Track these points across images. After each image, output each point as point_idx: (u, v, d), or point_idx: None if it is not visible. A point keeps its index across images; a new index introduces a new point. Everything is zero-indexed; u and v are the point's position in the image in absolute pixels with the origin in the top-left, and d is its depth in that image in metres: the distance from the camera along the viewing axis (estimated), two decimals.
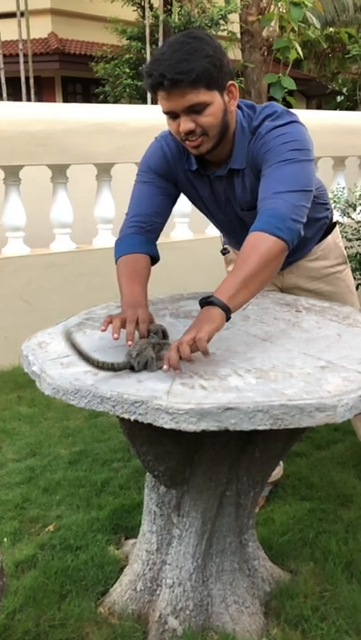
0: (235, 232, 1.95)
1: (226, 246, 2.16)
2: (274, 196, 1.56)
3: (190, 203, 1.94)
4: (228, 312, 1.41)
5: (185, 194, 1.89)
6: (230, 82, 1.61)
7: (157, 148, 1.82)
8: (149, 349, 1.38)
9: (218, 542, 1.65)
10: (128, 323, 1.49)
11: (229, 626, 1.63)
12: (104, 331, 1.49)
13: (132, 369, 1.36)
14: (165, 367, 1.32)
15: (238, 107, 1.70)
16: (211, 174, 1.78)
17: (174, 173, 1.82)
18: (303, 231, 1.60)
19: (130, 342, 1.43)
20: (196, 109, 1.56)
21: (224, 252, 2.17)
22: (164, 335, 1.49)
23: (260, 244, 1.49)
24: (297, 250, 1.87)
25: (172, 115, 1.59)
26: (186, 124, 1.58)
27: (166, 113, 1.60)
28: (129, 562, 1.84)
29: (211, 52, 1.54)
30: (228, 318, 1.42)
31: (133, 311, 1.53)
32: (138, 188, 1.84)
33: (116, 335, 1.45)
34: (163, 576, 1.67)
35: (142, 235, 1.78)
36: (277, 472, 2.32)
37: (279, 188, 1.57)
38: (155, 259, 1.81)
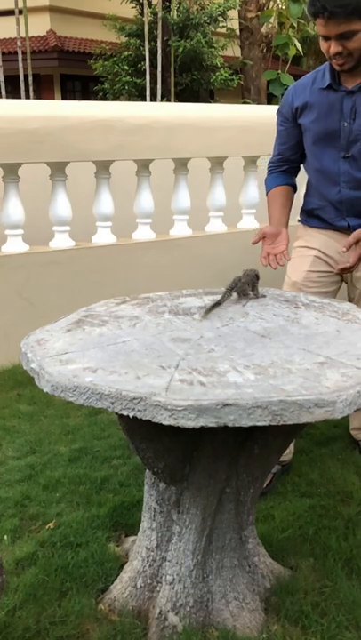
0: (336, 157, 2.14)
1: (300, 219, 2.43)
2: None
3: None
4: None
5: (302, 122, 2.19)
6: None
7: (287, 94, 2.24)
8: (248, 286, 1.87)
9: (218, 539, 1.65)
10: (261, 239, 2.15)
11: (229, 622, 1.63)
12: (255, 243, 2.16)
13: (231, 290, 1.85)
14: None
15: None
16: (343, 90, 2.07)
17: (293, 109, 2.18)
18: None
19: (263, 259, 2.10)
20: (346, 36, 1.90)
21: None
22: (257, 277, 1.90)
23: None
24: None
25: (325, 37, 1.93)
26: (335, 47, 1.93)
27: (320, 35, 1.94)
28: (129, 559, 1.84)
29: None
30: None
31: (263, 230, 2.15)
32: (277, 132, 2.32)
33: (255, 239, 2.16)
34: (163, 573, 1.68)
35: (279, 172, 2.33)
36: (287, 452, 2.33)
37: None
38: (294, 186, 2.35)
